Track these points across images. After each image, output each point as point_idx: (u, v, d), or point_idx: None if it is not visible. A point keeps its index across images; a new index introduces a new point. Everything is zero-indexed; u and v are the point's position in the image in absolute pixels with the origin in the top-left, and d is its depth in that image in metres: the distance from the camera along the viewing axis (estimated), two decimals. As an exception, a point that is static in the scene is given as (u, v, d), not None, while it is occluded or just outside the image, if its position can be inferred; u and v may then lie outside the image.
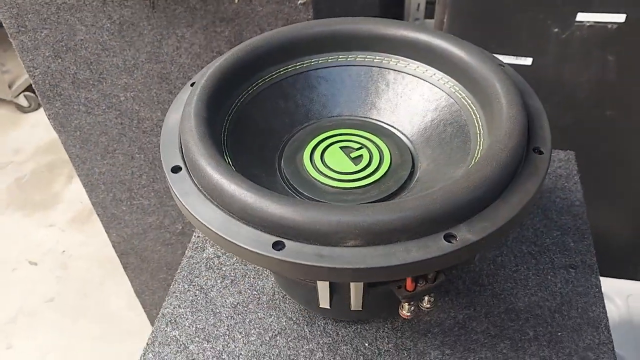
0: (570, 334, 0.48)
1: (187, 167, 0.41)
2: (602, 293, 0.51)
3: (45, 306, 1.49)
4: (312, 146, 0.47)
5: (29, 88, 2.09)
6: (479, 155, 0.41)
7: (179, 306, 0.52)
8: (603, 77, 0.89)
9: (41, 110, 2.18)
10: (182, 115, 0.43)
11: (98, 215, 1.03)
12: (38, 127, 2.09)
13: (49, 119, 0.89)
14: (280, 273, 0.43)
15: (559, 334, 0.48)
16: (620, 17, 0.83)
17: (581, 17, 0.84)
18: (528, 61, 0.91)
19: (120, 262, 1.11)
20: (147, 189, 0.97)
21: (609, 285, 0.93)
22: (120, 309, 1.46)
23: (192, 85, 0.47)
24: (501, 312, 0.50)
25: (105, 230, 1.05)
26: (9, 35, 0.78)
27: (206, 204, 0.38)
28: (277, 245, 0.34)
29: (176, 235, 1.04)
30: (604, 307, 0.49)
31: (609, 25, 0.84)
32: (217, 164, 0.38)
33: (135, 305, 1.29)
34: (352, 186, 0.44)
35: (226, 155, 0.43)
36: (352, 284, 0.41)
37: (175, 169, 0.41)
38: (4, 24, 0.77)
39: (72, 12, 0.75)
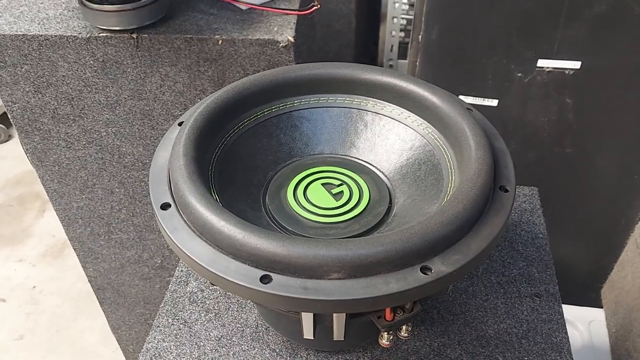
0: (536, 358, 0.51)
1: (176, 204, 0.42)
2: (564, 320, 0.54)
3: (14, 344, 1.44)
4: (295, 182, 0.50)
5: (-2, 119, 2.05)
6: (450, 193, 0.44)
7: (163, 340, 0.53)
8: (562, 118, 0.96)
9: (10, 142, 2.14)
10: (171, 154, 0.45)
11: (74, 249, 1.01)
12: (7, 159, 2.05)
13: (26, 153, 0.88)
14: (267, 305, 0.44)
15: (526, 358, 0.51)
16: (576, 64, 0.90)
17: (541, 63, 0.91)
18: (494, 102, 0.97)
19: (97, 297, 1.09)
20: (126, 223, 0.97)
21: (572, 313, 0.97)
22: (93, 345, 1.42)
23: (179, 124, 0.49)
24: (473, 339, 0.52)
25: (82, 265, 1.04)
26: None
27: (195, 240, 0.39)
28: (265, 279, 0.36)
29: (155, 269, 1.03)
30: (566, 332, 0.52)
31: (567, 71, 0.91)
32: (206, 201, 0.39)
33: (110, 341, 1.26)
34: (333, 221, 0.47)
35: (213, 192, 0.45)
36: (334, 315, 0.42)
37: (165, 206, 0.42)
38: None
39: (54, 49, 0.75)
